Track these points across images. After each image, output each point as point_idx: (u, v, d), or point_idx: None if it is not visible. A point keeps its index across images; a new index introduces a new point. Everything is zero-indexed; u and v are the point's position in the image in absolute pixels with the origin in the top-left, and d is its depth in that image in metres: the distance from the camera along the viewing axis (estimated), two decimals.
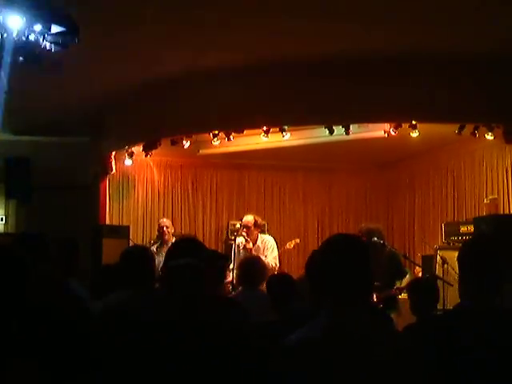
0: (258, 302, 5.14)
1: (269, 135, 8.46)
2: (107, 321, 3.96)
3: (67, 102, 8.88)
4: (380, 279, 6.97)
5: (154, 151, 9.28)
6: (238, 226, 9.55)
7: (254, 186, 11.80)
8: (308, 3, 6.11)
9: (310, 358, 2.38)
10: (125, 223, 10.59)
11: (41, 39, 5.25)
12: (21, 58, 5.33)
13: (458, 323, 2.88)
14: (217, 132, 8.65)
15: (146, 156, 9.48)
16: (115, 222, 10.61)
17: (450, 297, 6.84)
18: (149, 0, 6.02)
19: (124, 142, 9.61)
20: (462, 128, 8.10)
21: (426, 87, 7.63)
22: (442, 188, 10.53)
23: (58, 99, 8.71)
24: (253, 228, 8.62)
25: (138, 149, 9.52)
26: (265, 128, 8.36)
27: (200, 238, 9.89)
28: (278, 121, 8.24)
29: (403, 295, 7.28)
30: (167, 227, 9.27)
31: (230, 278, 7.63)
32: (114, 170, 10.20)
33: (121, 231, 9.75)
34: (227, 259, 7.50)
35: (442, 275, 7.51)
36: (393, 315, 6.56)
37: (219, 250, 9.45)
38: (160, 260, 6.93)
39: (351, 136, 8.26)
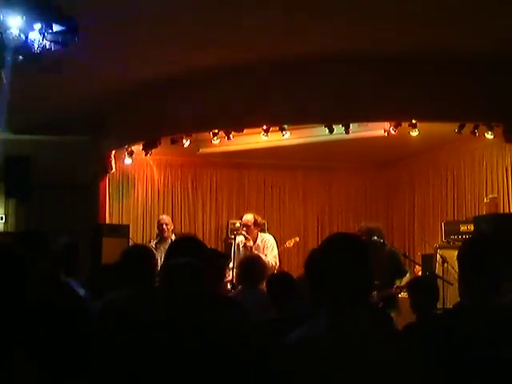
0: (258, 301, 5.14)
1: (268, 134, 8.46)
2: (107, 320, 3.97)
3: (67, 101, 8.88)
4: (380, 278, 6.98)
5: (153, 150, 9.28)
6: (237, 224, 9.56)
7: (253, 185, 11.80)
8: (308, 3, 6.11)
9: (310, 357, 2.39)
10: (125, 222, 10.58)
11: (41, 38, 5.25)
12: (21, 57, 5.33)
13: (458, 322, 2.88)
14: (216, 131, 8.65)
15: (145, 155, 9.48)
16: (115, 221, 10.61)
17: (450, 296, 6.84)
18: (149, 0, 6.03)
19: (124, 140, 9.62)
20: (461, 127, 8.10)
21: (425, 87, 7.63)
22: (442, 187, 10.53)
23: (58, 98, 8.72)
24: (253, 227, 8.63)
25: (137, 148, 9.52)
26: (264, 127, 8.36)
27: (200, 236, 9.86)
28: (277, 120, 8.24)
29: (403, 294, 7.28)
30: (167, 224, 9.27)
31: (229, 277, 7.63)
32: (113, 169, 10.20)
33: (121, 230, 9.74)
34: (227, 258, 7.50)
35: (441, 274, 7.51)
36: (393, 314, 6.56)
37: (219, 249, 9.45)
38: (159, 256, 6.94)
39: (351, 135, 8.25)
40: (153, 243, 9.18)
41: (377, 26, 6.62)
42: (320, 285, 2.66)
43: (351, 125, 8.08)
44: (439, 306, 5.95)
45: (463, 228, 8.75)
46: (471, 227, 8.31)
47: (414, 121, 7.93)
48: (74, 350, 3.46)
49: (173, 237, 9.04)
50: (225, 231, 11.30)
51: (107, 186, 10.54)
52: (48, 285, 3.91)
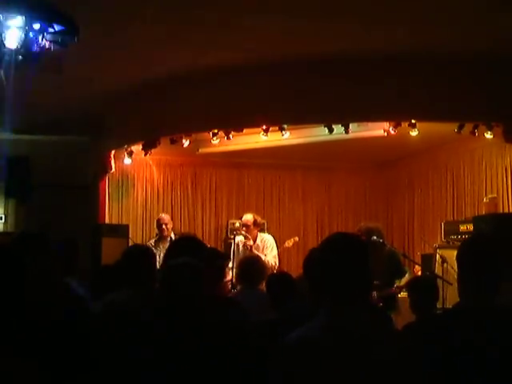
0: (258, 301, 5.14)
1: (268, 134, 8.46)
2: (107, 320, 3.97)
3: (67, 101, 8.87)
4: (379, 278, 6.98)
5: (153, 150, 9.27)
6: (237, 224, 9.56)
7: (253, 185, 11.80)
8: (308, 3, 6.11)
9: (310, 357, 2.39)
10: (124, 222, 10.58)
11: (40, 38, 5.25)
12: (20, 57, 5.33)
13: (458, 322, 2.88)
14: (216, 131, 8.64)
15: (145, 155, 9.47)
16: (115, 221, 10.60)
17: (450, 296, 6.85)
18: (149, 0, 6.03)
19: (123, 140, 9.61)
20: (461, 127, 8.09)
21: (425, 87, 7.63)
22: (442, 187, 10.53)
23: (57, 98, 8.71)
24: (252, 227, 8.63)
25: (137, 148, 9.51)
26: (264, 127, 8.36)
27: (199, 236, 9.85)
28: (277, 120, 8.24)
29: (402, 294, 7.29)
30: (166, 223, 9.25)
31: (229, 277, 7.63)
32: (113, 169, 10.18)
33: (120, 230, 9.73)
34: (226, 258, 7.50)
35: (441, 274, 7.52)
36: (392, 314, 6.56)
37: (219, 249, 9.45)
38: (158, 254, 6.94)
39: (351, 135, 8.25)
40: (152, 241, 9.18)
41: (377, 26, 6.62)
42: (319, 285, 2.66)
43: (351, 125, 8.07)
44: (439, 305, 5.95)
45: (463, 228, 8.75)
46: (471, 227, 8.31)
47: (413, 121, 7.92)
48: (74, 350, 3.46)
49: (172, 236, 9.04)
50: (224, 231, 11.30)
51: (107, 185, 10.53)
52: (48, 285, 3.91)
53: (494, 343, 2.78)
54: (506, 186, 9.18)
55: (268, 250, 8.51)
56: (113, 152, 9.96)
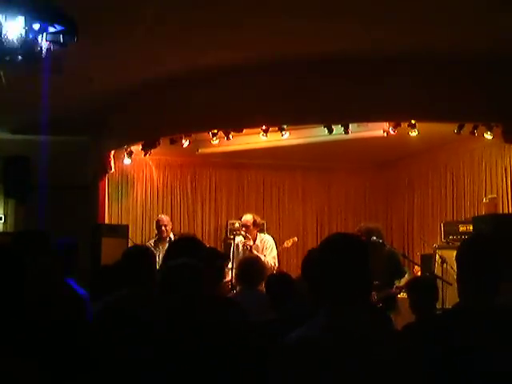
0: (257, 302, 5.14)
1: (268, 134, 8.46)
2: (107, 320, 3.97)
3: (67, 101, 8.87)
4: (379, 278, 6.97)
5: (153, 150, 9.27)
6: (237, 225, 9.55)
7: (253, 185, 11.81)
8: (308, 3, 6.11)
9: (309, 358, 2.38)
10: (124, 222, 10.58)
11: (40, 38, 5.25)
12: (20, 57, 5.32)
13: (457, 322, 2.88)
14: (216, 131, 8.64)
15: (145, 155, 9.47)
16: (114, 221, 10.60)
17: (449, 296, 6.85)
18: (149, 0, 6.02)
19: (123, 141, 9.61)
20: (461, 127, 8.09)
21: (425, 87, 7.63)
22: (441, 187, 10.53)
23: (57, 98, 8.70)
24: (252, 227, 8.62)
25: (137, 148, 9.51)
26: (264, 127, 8.36)
27: (199, 236, 9.86)
28: (277, 120, 8.24)
29: (402, 294, 7.29)
30: (166, 225, 9.25)
31: (229, 278, 7.63)
32: (113, 169, 10.19)
33: (120, 230, 9.73)
34: (226, 258, 7.50)
35: (441, 274, 7.52)
36: (392, 314, 6.57)
37: (218, 249, 9.45)
38: (157, 255, 6.94)
39: (350, 135, 8.24)
40: (151, 242, 9.18)
41: (377, 26, 6.62)
42: (319, 285, 2.65)
43: (350, 125, 8.07)
44: (438, 306, 5.95)
45: (462, 228, 8.76)
46: (470, 227, 8.30)
47: (413, 121, 7.92)
48: (74, 350, 3.46)
49: (171, 236, 9.03)
50: (224, 231, 11.31)
51: (106, 186, 10.53)
52: (48, 285, 3.91)
53: (493, 343, 2.78)
54: (505, 187, 9.18)
55: (267, 250, 8.51)
56: (112, 152, 9.97)
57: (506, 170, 9.20)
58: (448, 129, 8.24)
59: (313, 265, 3.59)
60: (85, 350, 3.54)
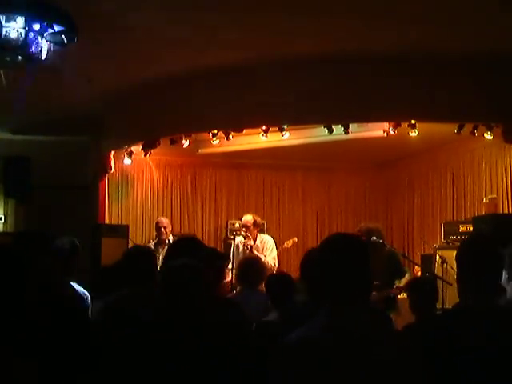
0: (258, 302, 5.15)
1: (268, 134, 8.46)
2: (107, 320, 3.97)
3: (67, 101, 8.87)
4: (379, 278, 6.96)
5: (153, 150, 9.27)
6: (237, 225, 9.54)
7: (253, 186, 11.81)
8: (308, 2, 6.11)
9: (310, 358, 2.38)
10: (124, 222, 10.58)
11: (40, 38, 5.25)
12: (20, 58, 5.32)
13: (458, 322, 2.88)
14: (216, 131, 8.64)
15: (145, 155, 9.47)
16: (114, 222, 10.60)
17: (450, 296, 6.85)
18: (149, 0, 6.03)
19: (123, 141, 9.61)
20: (461, 127, 8.09)
21: (425, 87, 7.63)
22: (441, 187, 10.53)
23: (57, 98, 8.71)
24: (252, 227, 8.62)
25: (137, 148, 9.51)
26: (264, 127, 8.36)
27: (199, 237, 9.86)
28: (277, 120, 8.24)
29: (402, 295, 7.28)
30: (165, 227, 9.24)
31: (229, 278, 7.63)
32: (113, 170, 10.18)
33: (120, 230, 9.73)
34: (226, 259, 7.50)
35: (441, 274, 7.51)
36: (392, 315, 6.56)
37: (218, 250, 9.44)
38: (157, 257, 6.94)
39: (350, 135, 8.24)
40: (151, 244, 9.16)
41: (377, 26, 6.62)
42: (318, 285, 2.65)
43: (350, 125, 8.07)
44: (439, 306, 5.95)
45: (462, 228, 8.76)
46: (470, 228, 8.31)
47: (413, 121, 7.92)
48: (74, 350, 3.46)
49: (171, 238, 9.01)
50: (224, 231, 11.30)
51: (106, 186, 10.52)
52: (48, 285, 3.91)
53: (493, 343, 2.78)
54: (505, 187, 9.18)
55: (268, 251, 8.50)
56: (113, 152, 9.97)
57: (506, 170, 9.20)
58: (448, 129, 8.24)
59: (312, 265, 3.59)
60: (85, 350, 3.54)
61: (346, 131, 8.09)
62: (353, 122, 8.08)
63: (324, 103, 7.84)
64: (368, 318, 2.51)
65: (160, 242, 9.03)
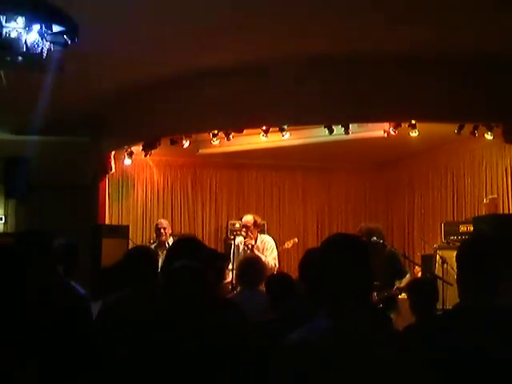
0: (258, 302, 5.14)
1: (268, 135, 8.46)
2: (107, 320, 3.97)
3: (67, 101, 8.87)
4: (380, 279, 6.97)
5: (153, 151, 9.27)
6: (237, 225, 9.53)
7: (253, 186, 11.81)
8: (308, 3, 6.11)
9: (310, 358, 2.38)
10: (124, 223, 10.58)
11: (40, 38, 5.25)
12: (20, 58, 5.32)
13: (458, 322, 2.88)
14: (216, 132, 8.64)
15: (145, 156, 9.47)
16: (114, 222, 10.61)
17: (450, 296, 6.84)
18: (149, 1, 6.03)
19: (124, 141, 9.61)
20: (461, 127, 8.09)
21: (425, 87, 7.63)
22: (442, 187, 10.54)
23: (57, 99, 8.70)
24: (252, 228, 8.61)
25: (137, 148, 9.51)
26: (264, 127, 8.36)
27: (199, 237, 9.83)
28: (277, 120, 8.24)
29: (403, 295, 7.28)
30: (165, 228, 9.22)
31: (229, 279, 7.62)
32: (113, 170, 10.19)
33: (120, 231, 9.72)
34: (226, 259, 7.50)
35: (441, 275, 7.51)
36: (392, 315, 6.55)
37: (219, 250, 9.44)
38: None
39: (351, 135, 8.24)
40: (151, 246, 9.15)
41: (377, 25, 6.62)
42: (317, 285, 2.65)
43: (351, 125, 8.07)
44: (439, 306, 5.94)
45: (463, 229, 8.75)
46: (471, 228, 8.30)
47: (413, 121, 7.92)
48: (74, 350, 3.46)
49: (170, 240, 8.98)
50: (224, 232, 11.31)
51: (107, 186, 10.53)
52: (48, 285, 3.91)
53: (494, 343, 2.77)
54: (506, 187, 9.18)
55: (268, 251, 8.50)
56: (113, 152, 9.97)
57: (506, 170, 9.20)
58: (448, 129, 8.24)
59: (312, 265, 3.59)
60: (85, 350, 3.54)
61: (347, 131, 8.09)
62: (353, 122, 8.08)
63: (324, 103, 7.84)
64: (368, 319, 2.51)
65: (160, 244, 9.01)
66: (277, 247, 8.68)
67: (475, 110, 7.69)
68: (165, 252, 6.43)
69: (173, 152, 10.14)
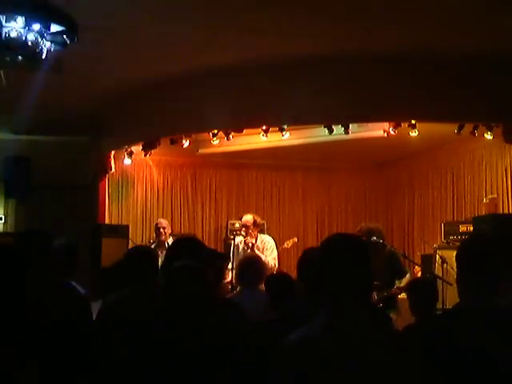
0: (257, 301, 5.13)
1: (268, 135, 8.46)
2: (107, 320, 3.97)
3: (67, 101, 8.87)
4: (380, 279, 6.97)
5: (153, 150, 9.27)
6: (237, 225, 9.53)
7: (253, 186, 11.81)
8: (308, 3, 6.11)
9: (310, 358, 2.38)
10: (124, 222, 10.58)
11: (40, 38, 5.25)
12: (20, 58, 5.32)
13: (458, 323, 2.88)
14: (216, 131, 8.64)
15: (145, 155, 9.47)
16: (114, 222, 10.61)
17: (450, 296, 6.84)
18: (149, 1, 6.03)
19: (123, 141, 9.61)
20: (461, 127, 8.09)
21: (425, 87, 7.63)
22: (442, 187, 10.54)
23: (57, 98, 8.71)
24: (252, 227, 8.61)
25: (137, 148, 9.51)
26: (264, 127, 8.36)
27: (199, 237, 9.86)
28: (277, 120, 8.23)
29: (403, 295, 7.28)
30: (164, 228, 9.22)
31: (229, 278, 7.62)
32: (113, 170, 10.19)
33: (120, 231, 9.72)
34: (226, 259, 7.49)
35: (441, 275, 7.51)
36: (392, 315, 6.55)
37: (218, 250, 9.44)
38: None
39: (351, 135, 8.24)
40: (151, 246, 9.15)
41: (377, 25, 6.62)
42: (318, 285, 2.65)
43: (351, 125, 8.07)
44: (439, 306, 5.94)
45: (463, 228, 8.76)
46: (471, 228, 8.30)
47: (413, 121, 7.92)
48: (74, 350, 3.46)
49: (170, 240, 8.98)
50: (224, 231, 11.30)
51: (107, 186, 10.53)
52: (48, 285, 3.91)
53: (494, 343, 2.77)
54: (505, 187, 9.18)
55: (268, 251, 8.50)
56: (113, 152, 9.97)
57: (506, 170, 9.20)
58: (448, 129, 8.24)
59: (310, 265, 3.59)
60: (85, 350, 3.54)
61: (346, 131, 8.09)
62: (353, 122, 8.08)
63: (324, 103, 7.84)
64: (368, 319, 2.52)
65: (159, 244, 9.00)
66: (277, 247, 8.68)
67: (475, 109, 7.69)
68: (164, 252, 6.44)
69: (173, 152, 10.14)
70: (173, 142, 9.02)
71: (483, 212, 8.94)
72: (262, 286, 5.49)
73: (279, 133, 8.48)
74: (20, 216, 10.53)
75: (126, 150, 9.75)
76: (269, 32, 6.76)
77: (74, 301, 4.17)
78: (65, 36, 5.34)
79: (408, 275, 7.86)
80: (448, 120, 7.95)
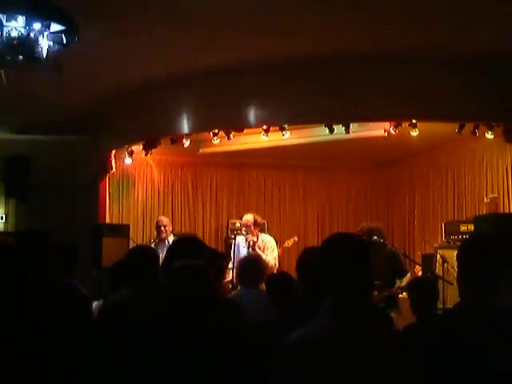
0: (258, 301, 5.13)
1: (269, 134, 8.46)
2: (107, 320, 3.97)
3: (67, 101, 8.87)
4: (380, 278, 6.97)
5: (154, 150, 9.28)
6: (237, 224, 9.53)
7: (253, 185, 11.81)
8: (308, 3, 6.10)
9: (310, 357, 2.38)
10: (125, 222, 10.58)
11: (40, 38, 5.25)
12: (21, 57, 5.32)
13: (458, 322, 2.87)
14: (216, 131, 8.64)
15: (146, 155, 9.47)
16: (115, 221, 10.60)
17: (450, 296, 6.84)
18: (149, 0, 6.02)
19: (124, 140, 9.61)
20: (461, 127, 8.09)
21: (425, 87, 7.62)
22: (442, 187, 10.53)
23: (58, 98, 8.71)
24: (253, 227, 8.62)
25: (138, 148, 9.51)
26: (265, 127, 8.35)
27: (200, 236, 9.82)
28: (277, 120, 8.23)
29: (403, 294, 7.27)
30: (165, 225, 9.23)
31: (229, 278, 7.63)
32: (113, 169, 10.19)
33: (121, 230, 9.72)
34: (227, 258, 7.50)
35: (442, 274, 7.51)
36: (393, 314, 6.55)
37: (219, 249, 9.44)
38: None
39: (351, 135, 8.25)
40: (152, 244, 9.15)
41: (377, 25, 6.62)
42: (319, 285, 2.65)
43: (351, 125, 8.07)
44: (439, 306, 5.94)
45: (463, 228, 8.75)
46: (471, 227, 8.29)
47: (414, 121, 7.92)
48: (74, 350, 3.46)
49: (171, 238, 8.99)
50: (225, 231, 11.30)
51: (107, 185, 10.53)
52: (48, 285, 3.91)
53: (494, 343, 2.77)
54: (506, 186, 9.17)
55: (269, 251, 8.51)
56: (113, 152, 9.97)
57: (506, 169, 9.19)
58: (449, 128, 8.24)
59: (309, 264, 3.58)
60: (85, 350, 3.54)
61: (347, 131, 8.09)
62: (353, 121, 8.08)
63: (324, 103, 7.84)
64: (369, 318, 2.51)
65: (160, 242, 9.02)
66: (277, 247, 8.69)
67: (475, 109, 7.69)
68: (165, 250, 6.44)
69: (173, 151, 10.14)
70: (173, 141, 9.03)
71: (484, 211, 8.94)
72: (263, 286, 5.50)
73: (280, 132, 8.48)
74: (20, 216, 10.54)
75: (127, 150, 9.75)
76: (269, 32, 6.76)
77: (74, 301, 4.17)
78: (65, 36, 5.35)
79: (409, 275, 7.86)
80: (448, 119, 7.96)
